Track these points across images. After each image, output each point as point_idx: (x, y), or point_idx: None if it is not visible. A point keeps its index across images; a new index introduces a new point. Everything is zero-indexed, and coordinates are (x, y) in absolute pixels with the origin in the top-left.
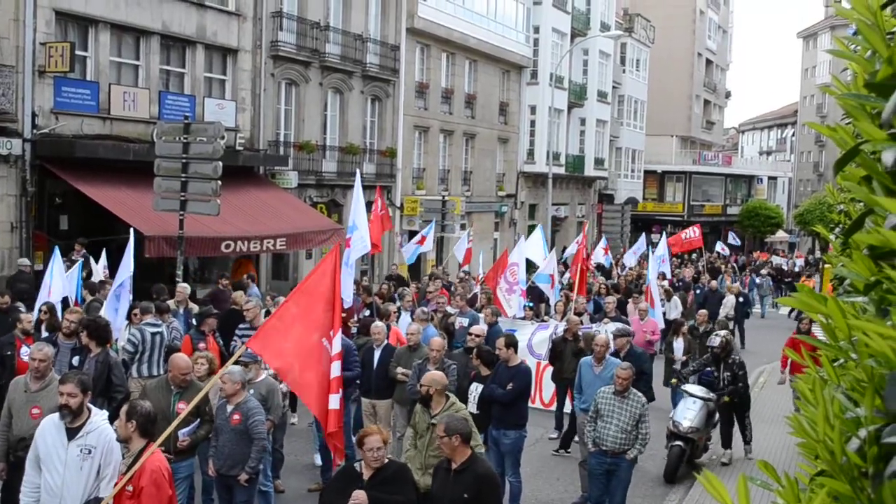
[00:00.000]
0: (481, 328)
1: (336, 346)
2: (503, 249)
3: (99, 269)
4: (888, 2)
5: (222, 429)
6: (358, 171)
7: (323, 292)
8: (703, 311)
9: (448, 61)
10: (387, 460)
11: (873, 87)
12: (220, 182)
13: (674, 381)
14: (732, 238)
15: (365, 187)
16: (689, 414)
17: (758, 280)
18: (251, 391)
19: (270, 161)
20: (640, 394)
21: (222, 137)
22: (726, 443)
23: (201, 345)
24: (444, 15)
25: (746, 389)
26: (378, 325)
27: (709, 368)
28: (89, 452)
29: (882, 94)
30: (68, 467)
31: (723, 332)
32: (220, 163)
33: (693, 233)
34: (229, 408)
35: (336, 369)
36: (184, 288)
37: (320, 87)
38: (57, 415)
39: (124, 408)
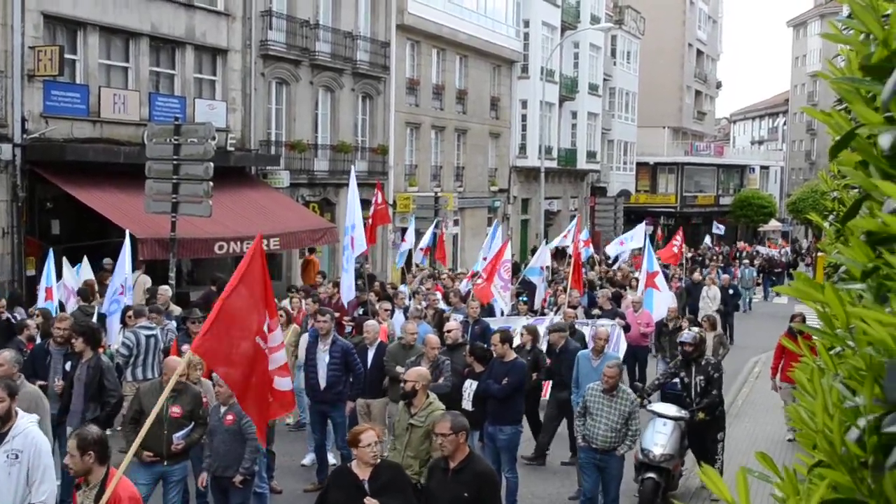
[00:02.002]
0: (456, 324)
1: (277, 338)
2: (498, 243)
3: (73, 276)
4: None
5: (216, 430)
6: (353, 168)
7: (255, 288)
8: (673, 307)
9: (438, 57)
10: (379, 459)
11: (868, 70)
12: (211, 183)
13: (637, 398)
14: (716, 227)
15: (359, 185)
16: (659, 438)
17: (739, 272)
18: None
19: (262, 161)
20: (629, 390)
21: (213, 138)
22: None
23: (185, 346)
24: (434, 11)
25: (721, 402)
26: (371, 323)
27: (675, 380)
28: (16, 457)
29: (877, 76)
30: None
31: (696, 329)
32: (212, 164)
33: (676, 241)
34: (223, 409)
35: (280, 358)
36: (165, 290)
37: (311, 85)
38: None
39: (73, 442)
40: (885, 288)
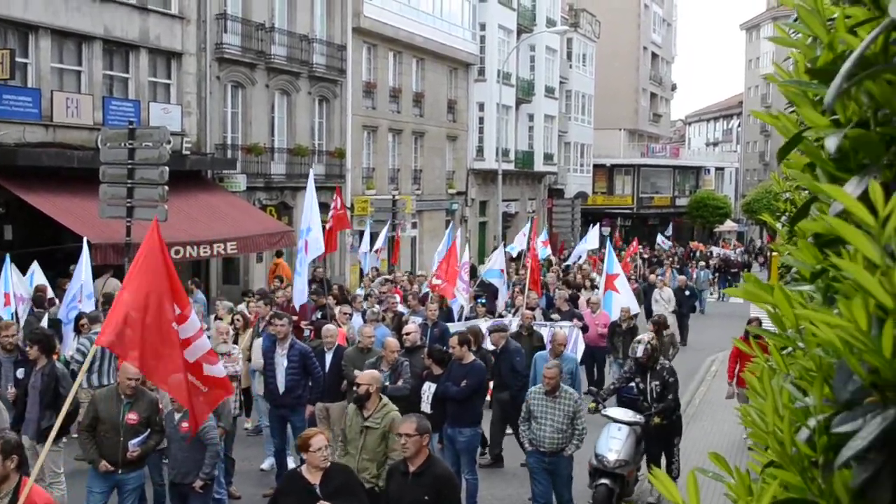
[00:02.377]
0: (414, 327)
1: (191, 327)
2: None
3: (22, 282)
4: None
5: (172, 437)
6: (311, 171)
7: (158, 275)
8: (626, 307)
9: (395, 60)
10: (329, 463)
11: (814, 73)
12: (166, 187)
13: (592, 404)
14: (670, 230)
15: (316, 188)
16: (614, 444)
17: (694, 273)
18: None
19: (218, 165)
20: (571, 390)
21: (168, 142)
22: (657, 462)
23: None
24: (390, 14)
25: (678, 407)
26: (330, 327)
27: (631, 384)
28: None
29: (823, 79)
30: None
31: (646, 337)
32: (167, 167)
33: (633, 246)
34: (177, 415)
35: (203, 346)
36: None
37: (267, 88)
38: None
39: None
40: (833, 290)
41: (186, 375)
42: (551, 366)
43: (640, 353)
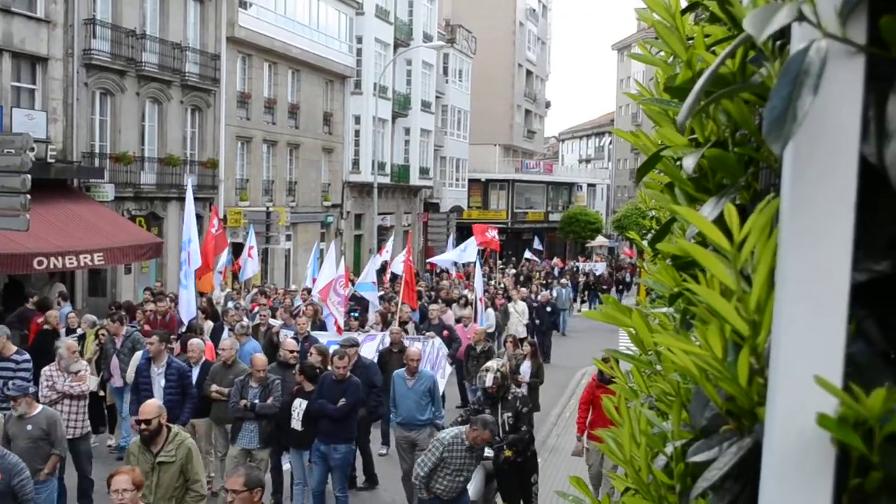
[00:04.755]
0: (293, 343)
1: None
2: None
3: None
4: (688, 7)
5: None
6: (189, 182)
7: None
8: (480, 328)
9: (270, 71)
10: None
11: (673, 91)
12: (29, 196)
13: None
14: (537, 243)
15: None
16: None
17: (555, 291)
18: (29, 427)
19: (84, 173)
20: None
21: (32, 149)
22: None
23: None
24: (266, 24)
25: (532, 440)
26: (196, 341)
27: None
28: None
29: (682, 97)
30: None
31: (494, 364)
32: (29, 176)
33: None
34: None
35: None
36: None
37: (137, 96)
38: None
39: None
40: (690, 313)
41: None
42: (485, 428)
43: (489, 383)
